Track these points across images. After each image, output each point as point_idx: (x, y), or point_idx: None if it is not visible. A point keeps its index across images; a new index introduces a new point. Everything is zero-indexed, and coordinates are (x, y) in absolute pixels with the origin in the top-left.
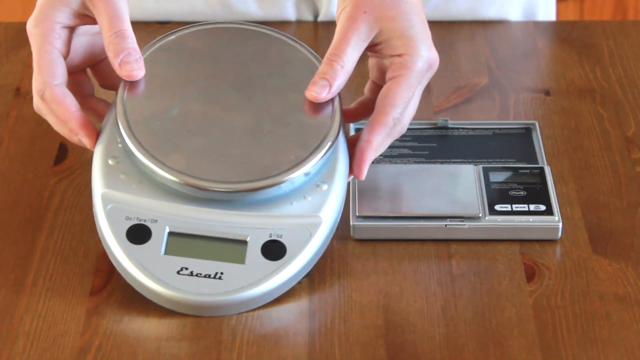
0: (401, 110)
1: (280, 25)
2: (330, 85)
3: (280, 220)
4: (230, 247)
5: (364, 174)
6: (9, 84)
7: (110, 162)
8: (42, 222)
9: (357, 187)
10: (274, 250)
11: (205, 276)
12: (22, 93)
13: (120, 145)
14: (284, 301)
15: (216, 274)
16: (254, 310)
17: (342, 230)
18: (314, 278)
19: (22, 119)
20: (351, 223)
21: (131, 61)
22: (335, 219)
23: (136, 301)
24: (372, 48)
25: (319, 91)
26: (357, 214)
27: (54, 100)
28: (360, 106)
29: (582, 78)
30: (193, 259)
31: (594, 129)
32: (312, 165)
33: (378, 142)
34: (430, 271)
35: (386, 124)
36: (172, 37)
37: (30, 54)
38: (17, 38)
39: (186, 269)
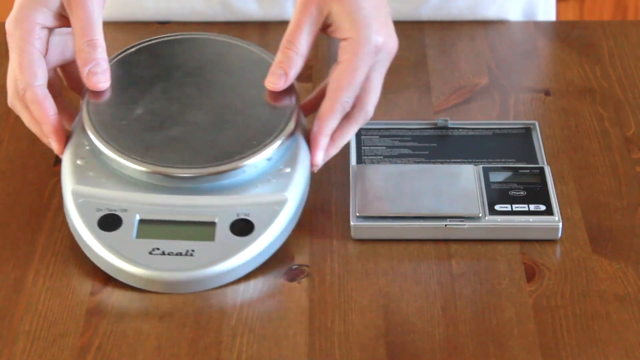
0: (351, 94)
1: (280, 25)
2: (287, 73)
3: (247, 200)
4: (200, 228)
5: (317, 160)
6: None
7: (79, 162)
8: (42, 222)
9: (357, 187)
10: (242, 227)
11: (177, 254)
12: None
13: (87, 148)
14: (284, 301)
15: (187, 251)
16: (254, 310)
17: (342, 230)
18: (314, 278)
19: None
20: (351, 223)
21: (98, 72)
22: (300, 198)
23: (136, 301)
24: (326, 31)
25: (276, 80)
26: (357, 214)
27: (34, 101)
28: (318, 94)
29: (582, 78)
30: (164, 240)
31: (594, 129)
32: (273, 150)
33: (329, 127)
34: (430, 271)
35: (333, 109)
36: (135, 48)
37: None
38: None
39: (158, 249)
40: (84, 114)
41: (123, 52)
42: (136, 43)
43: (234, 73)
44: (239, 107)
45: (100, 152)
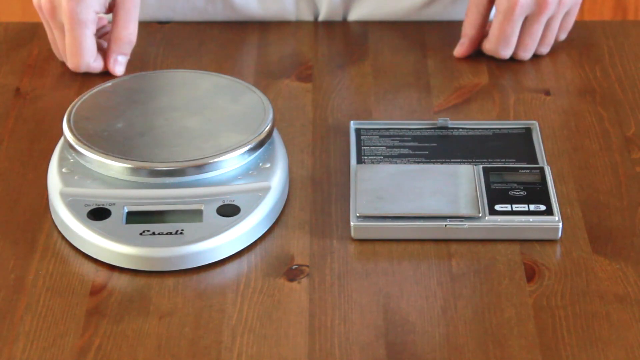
0: None
1: (281, 25)
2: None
3: (232, 188)
4: (188, 213)
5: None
6: (9, 84)
7: (64, 170)
8: (42, 222)
9: (357, 187)
10: (228, 209)
11: (167, 234)
12: (22, 93)
13: (72, 161)
14: (284, 301)
15: (177, 231)
16: (254, 310)
17: (342, 230)
18: (314, 278)
19: (22, 119)
20: (351, 223)
21: (123, 63)
22: (283, 187)
23: (136, 301)
24: None
25: (459, 49)
26: (357, 214)
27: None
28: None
29: (582, 78)
30: (154, 224)
31: (594, 129)
32: (253, 144)
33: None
34: (430, 271)
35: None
36: (111, 83)
37: (29, 54)
38: (17, 38)
39: (148, 231)
40: (66, 129)
41: (103, 83)
42: (111, 80)
43: (213, 94)
44: (219, 118)
45: (84, 157)
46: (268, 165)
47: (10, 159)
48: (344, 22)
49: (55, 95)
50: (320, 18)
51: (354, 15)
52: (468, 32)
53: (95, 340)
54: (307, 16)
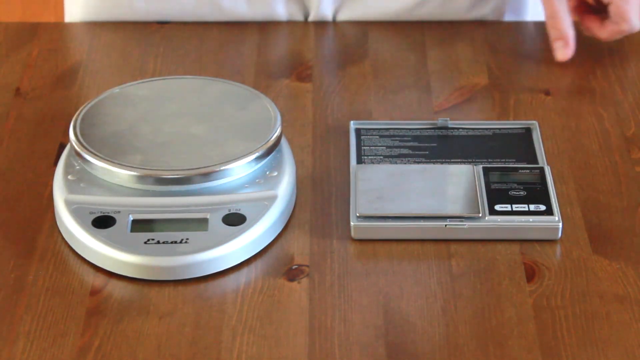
0: None
1: (280, 25)
2: (567, 41)
3: (238, 197)
4: (193, 222)
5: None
6: (9, 84)
7: (70, 177)
8: (42, 222)
9: (357, 187)
10: (234, 218)
11: (172, 242)
12: (22, 93)
13: (78, 168)
14: (284, 301)
15: (182, 239)
16: (254, 310)
17: (342, 230)
18: (314, 278)
19: (22, 119)
20: (351, 223)
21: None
22: (289, 196)
23: (136, 301)
24: None
25: (563, 51)
26: (357, 214)
27: None
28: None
29: (582, 78)
30: (159, 232)
31: (594, 129)
32: (260, 152)
33: None
34: (430, 271)
35: None
36: (118, 89)
37: (29, 54)
38: (17, 38)
39: (152, 239)
40: (72, 136)
41: (110, 89)
42: (120, 86)
43: (220, 101)
44: (226, 126)
45: (90, 163)
46: (275, 173)
47: (10, 159)
48: (344, 23)
49: (55, 95)
50: (311, 18)
51: (344, 16)
52: (570, 32)
53: (95, 340)
54: (298, 16)
